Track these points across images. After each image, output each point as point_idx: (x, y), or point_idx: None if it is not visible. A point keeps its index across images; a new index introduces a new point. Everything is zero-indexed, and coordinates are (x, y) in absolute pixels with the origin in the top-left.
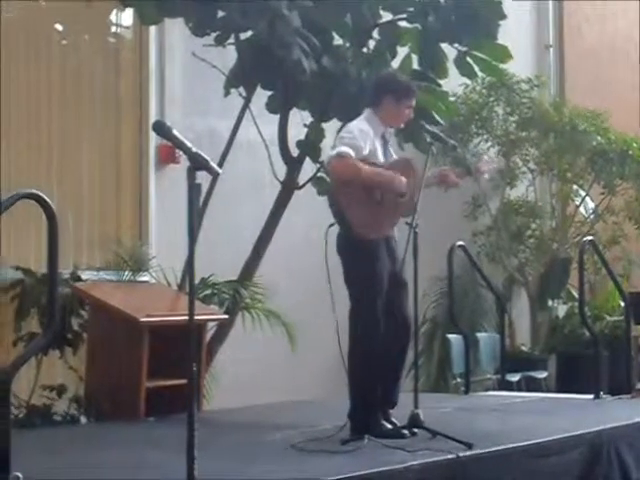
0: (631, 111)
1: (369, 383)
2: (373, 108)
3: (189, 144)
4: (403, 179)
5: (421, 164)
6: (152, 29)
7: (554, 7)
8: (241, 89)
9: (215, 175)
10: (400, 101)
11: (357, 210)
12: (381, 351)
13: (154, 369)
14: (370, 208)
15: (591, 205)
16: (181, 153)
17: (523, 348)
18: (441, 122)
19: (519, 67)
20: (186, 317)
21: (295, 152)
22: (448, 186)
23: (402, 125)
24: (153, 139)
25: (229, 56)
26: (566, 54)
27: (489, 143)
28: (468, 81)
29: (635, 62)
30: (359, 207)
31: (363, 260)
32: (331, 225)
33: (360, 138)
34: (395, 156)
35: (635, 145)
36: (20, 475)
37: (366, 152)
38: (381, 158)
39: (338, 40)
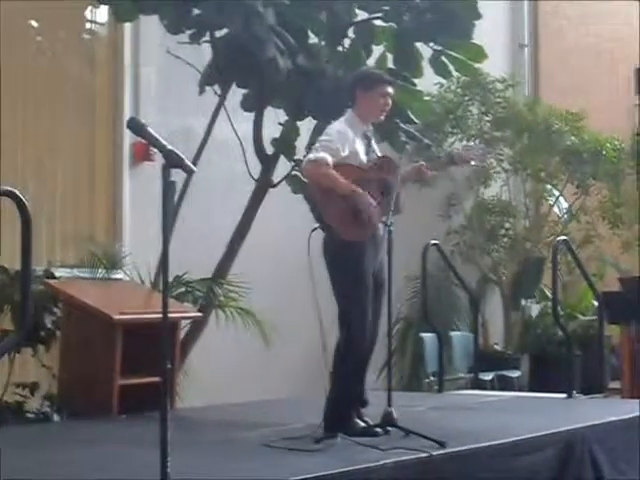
0: (607, 112)
1: (351, 382)
2: (352, 108)
3: (164, 142)
4: (371, 201)
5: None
6: (127, 26)
7: (529, 7)
8: (216, 87)
9: (190, 173)
10: (370, 89)
11: (334, 213)
12: (368, 350)
13: (127, 367)
14: (350, 211)
15: (565, 205)
16: (156, 151)
17: (496, 347)
18: (416, 121)
19: (494, 66)
20: (160, 315)
21: (270, 150)
22: (423, 180)
23: (382, 117)
24: (127, 136)
25: (204, 54)
26: (543, 54)
27: (464, 142)
28: (443, 80)
29: (615, 64)
30: (335, 210)
31: (349, 262)
32: (314, 229)
33: (338, 140)
34: (379, 153)
35: (609, 145)
36: None
37: (345, 153)
38: (363, 157)
39: (313, 38)
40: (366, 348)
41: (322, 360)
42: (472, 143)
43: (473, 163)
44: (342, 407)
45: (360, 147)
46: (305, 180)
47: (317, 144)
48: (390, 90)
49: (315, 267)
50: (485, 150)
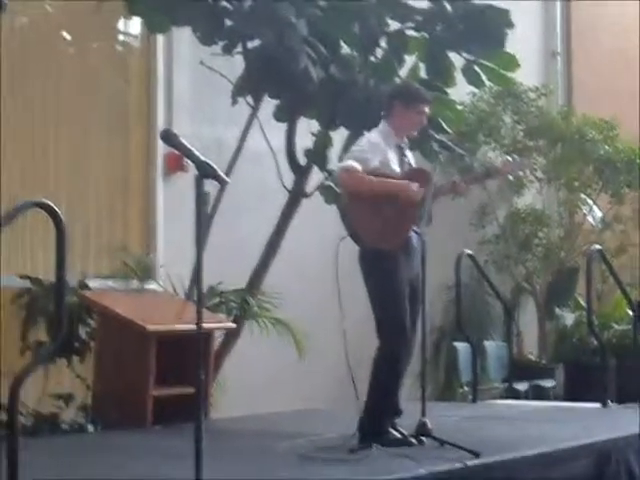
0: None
1: (390, 393)
2: (386, 119)
3: (197, 153)
4: (416, 186)
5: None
6: (160, 37)
7: (562, 15)
8: (249, 98)
9: (223, 184)
10: (408, 106)
11: (367, 223)
12: (405, 362)
13: (161, 377)
14: (381, 220)
15: (599, 214)
16: (189, 162)
17: (531, 357)
18: (449, 131)
19: (526, 75)
20: (193, 326)
21: (303, 161)
22: (458, 194)
23: (415, 132)
24: (161, 147)
25: (237, 65)
26: (576, 62)
27: (497, 152)
28: (476, 90)
29: None
30: (369, 220)
31: (383, 273)
32: (343, 238)
33: (369, 150)
34: (413, 165)
35: None
36: None
37: (375, 164)
38: (396, 169)
39: (346, 49)
40: (405, 360)
41: (348, 370)
42: (510, 158)
43: (511, 177)
44: (378, 418)
45: (393, 158)
46: (339, 190)
47: (348, 154)
48: (427, 110)
49: (346, 277)
50: (522, 162)
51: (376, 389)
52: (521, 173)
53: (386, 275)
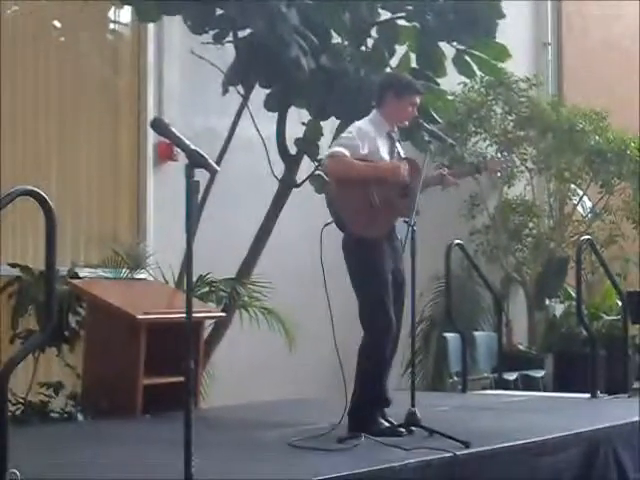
0: (631, 111)
1: (376, 381)
2: (377, 108)
3: (187, 141)
4: (404, 166)
5: (419, 163)
6: (150, 26)
7: (552, 5)
8: (239, 87)
9: (213, 173)
10: (401, 97)
11: (353, 210)
12: (390, 350)
13: (151, 366)
14: (366, 208)
15: (589, 204)
16: (179, 150)
17: (520, 347)
18: (439, 121)
19: (517, 66)
20: (183, 315)
21: (293, 150)
22: (445, 186)
23: (406, 123)
24: (151, 136)
25: (227, 54)
26: (566, 53)
27: (487, 142)
28: (466, 80)
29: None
30: (355, 207)
31: (366, 259)
32: (326, 224)
33: (358, 137)
34: (403, 155)
35: (633, 145)
36: (17, 472)
37: (364, 151)
38: (385, 157)
39: (336, 38)
40: (389, 348)
41: (336, 359)
42: (499, 155)
43: (499, 175)
44: (366, 407)
45: (383, 146)
46: (327, 178)
47: (337, 140)
48: (419, 100)
49: (333, 264)
50: (509, 161)
51: (362, 378)
52: (508, 170)
53: (369, 263)
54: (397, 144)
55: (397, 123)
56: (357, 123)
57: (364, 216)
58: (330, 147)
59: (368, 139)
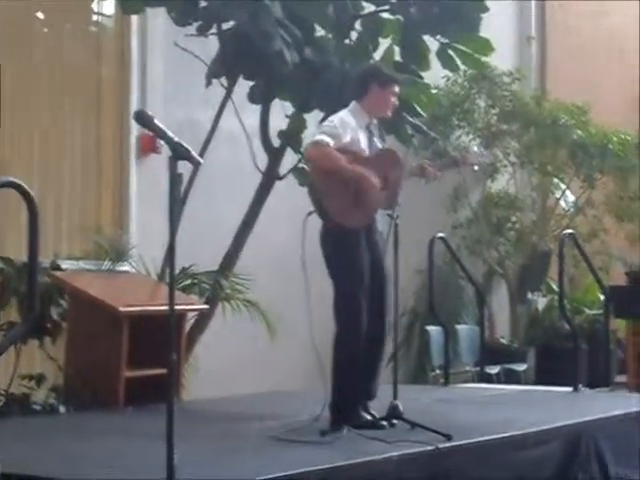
0: (614, 106)
1: (352, 374)
2: (358, 100)
3: (170, 134)
4: (375, 182)
5: (402, 156)
6: (134, 18)
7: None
8: (223, 79)
9: (196, 165)
10: (385, 88)
11: (334, 198)
12: (364, 342)
13: (133, 359)
14: (347, 197)
15: (571, 198)
16: (162, 143)
17: (502, 340)
18: (422, 114)
19: (501, 60)
20: (166, 307)
21: (277, 143)
22: (428, 178)
23: (389, 114)
24: (134, 128)
25: (211, 46)
26: (550, 47)
27: (470, 136)
28: (450, 73)
29: (623, 57)
30: (336, 196)
31: (343, 250)
32: (309, 213)
33: (340, 127)
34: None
35: (615, 139)
36: None
37: (346, 140)
38: (365, 148)
39: (320, 31)
40: (362, 338)
41: (323, 352)
42: (475, 148)
43: (476, 168)
44: (347, 399)
45: (362, 138)
46: (307, 165)
47: (318, 129)
48: (398, 90)
49: (316, 255)
50: (486, 154)
51: (338, 371)
52: (487, 163)
53: (344, 254)
54: (374, 138)
55: (380, 114)
56: (338, 114)
57: (344, 205)
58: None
59: (350, 129)
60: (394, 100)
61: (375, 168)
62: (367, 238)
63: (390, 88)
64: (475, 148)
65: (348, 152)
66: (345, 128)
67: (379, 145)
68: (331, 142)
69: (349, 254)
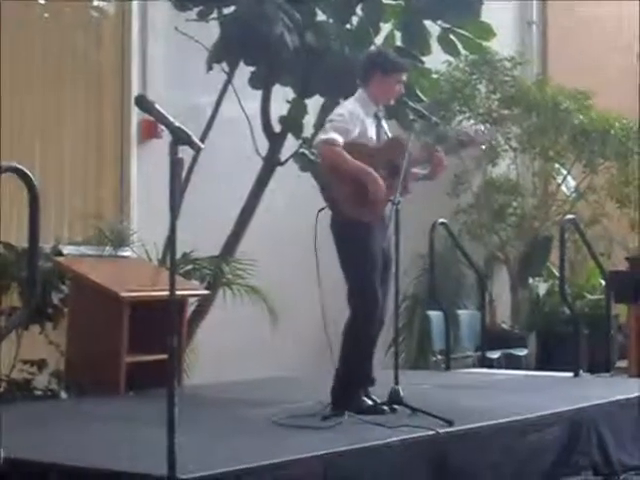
0: (616, 91)
1: (361, 361)
2: (363, 87)
3: (171, 119)
4: (381, 184)
5: (408, 143)
6: (134, 3)
7: None
8: (224, 64)
9: (197, 150)
10: (388, 75)
11: (348, 195)
12: (376, 330)
13: (135, 344)
14: (361, 192)
15: (572, 184)
16: (163, 128)
17: (503, 326)
18: (424, 99)
19: (502, 45)
20: (167, 292)
21: (277, 128)
22: (436, 172)
23: (392, 101)
24: (135, 113)
25: (212, 31)
26: (551, 32)
27: (472, 121)
28: (451, 58)
29: (625, 42)
30: (350, 192)
31: (356, 242)
32: (321, 209)
33: (350, 121)
34: (389, 134)
35: (617, 124)
36: (0, 450)
37: (355, 134)
38: (373, 137)
39: (321, 16)
40: (376, 328)
41: (326, 338)
42: (480, 126)
43: (483, 147)
44: (350, 385)
45: (370, 127)
46: (315, 159)
47: (328, 124)
48: (405, 78)
49: (321, 245)
50: (491, 132)
51: (348, 357)
52: (493, 142)
53: (359, 244)
54: (383, 123)
55: (384, 101)
56: (346, 105)
57: (359, 200)
58: (321, 130)
59: (359, 121)
60: (398, 88)
61: (384, 158)
62: (380, 225)
63: (394, 76)
64: (481, 126)
65: (357, 144)
66: (354, 121)
67: (387, 132)
68: (340, 139)
69: (365, 245)
